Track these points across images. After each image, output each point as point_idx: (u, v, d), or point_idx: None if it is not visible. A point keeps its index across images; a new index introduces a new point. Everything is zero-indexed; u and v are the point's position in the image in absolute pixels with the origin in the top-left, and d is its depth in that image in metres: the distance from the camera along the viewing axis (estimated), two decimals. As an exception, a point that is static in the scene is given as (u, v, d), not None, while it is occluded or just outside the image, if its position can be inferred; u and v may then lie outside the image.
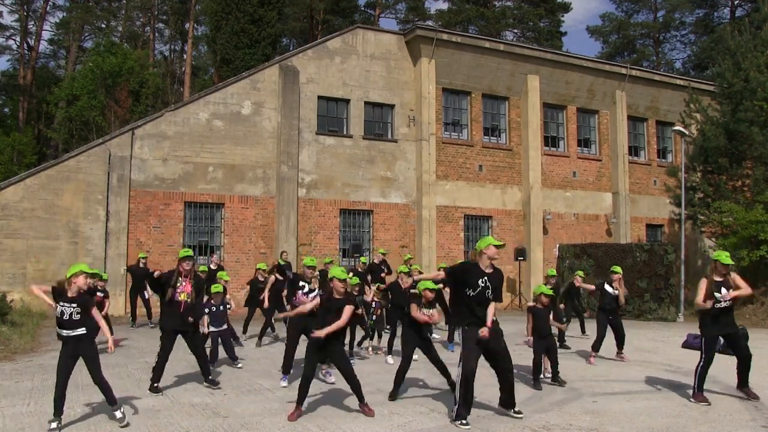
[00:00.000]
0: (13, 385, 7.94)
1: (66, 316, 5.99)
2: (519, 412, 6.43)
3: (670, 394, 7.70)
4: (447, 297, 10.40)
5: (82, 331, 6.05)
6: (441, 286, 8.36)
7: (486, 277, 6.19)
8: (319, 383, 8.16)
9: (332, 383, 8.06)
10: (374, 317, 10.73)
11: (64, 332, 6.02)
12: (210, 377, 7.89)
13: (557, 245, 20.84)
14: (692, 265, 24.44)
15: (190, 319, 7.64)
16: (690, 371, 9.22)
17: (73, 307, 6.00)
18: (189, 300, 7.59)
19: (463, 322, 6.22)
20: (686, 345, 11.87)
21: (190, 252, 7.88)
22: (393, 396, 7.27)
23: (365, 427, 6.06)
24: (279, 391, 7.69)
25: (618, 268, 10.42)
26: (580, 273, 13.23)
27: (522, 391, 7.47)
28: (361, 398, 6.57)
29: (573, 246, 19.65)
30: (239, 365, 9.33)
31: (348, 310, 6.55)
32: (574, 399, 7.39)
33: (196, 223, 17.71)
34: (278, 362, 9.72)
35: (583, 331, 13.32)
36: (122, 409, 6.08)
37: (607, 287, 10.20)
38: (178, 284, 7.58)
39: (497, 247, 6.26)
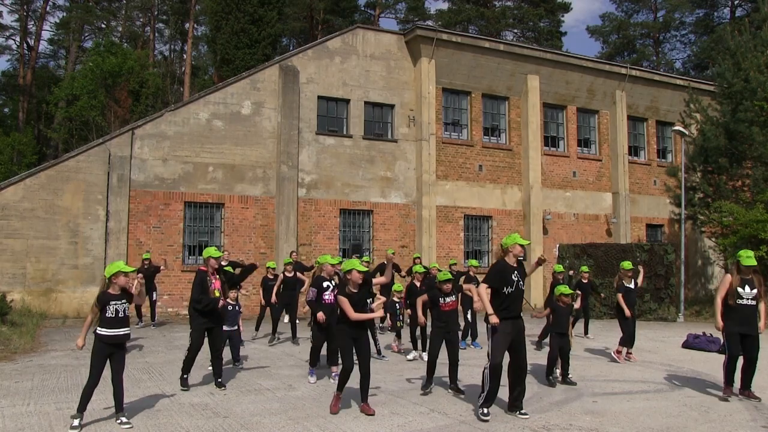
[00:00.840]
0: (13, 385, 7.94)
1: (120, 314, 6.09)
2: (525, 414, 6.46)
3: (670, 394, 7.70)
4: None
5: (128, 330, 6.21)
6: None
7: (515, 271, 6.49)
8: (324, 384, 8.17)
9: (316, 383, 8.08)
10: (401, 317, 10.76)
11: (118, 331, 6.06)
12: (220, 379, 7.88)
13: (557, 245, 20.83)
14: (692, 265, 24.46)
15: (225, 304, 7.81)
16: (690, 371, 9.27)
17: (124, 303, 6.14)
18: (220, 295, 7.73)
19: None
20: (686, 345, 11.95)
21: (212, 251, 7.82)
22: (425, 388, 7.54)
23: (365, 427, 6.06)
24: (279, 391, 7.69)
25: (629, 263, 10.48)
26: (585, 268, 13.22)
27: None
28: (365, 397, 6.60)
29: (573, 246, 19.64)
30: (241, 366, 9.33)
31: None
32: (574, 399, 7.39)
33: (196, 223, 17.71)
34: (278, 362, 9.75)
35: (586, 332, 13.30)
36: (126, 418, 6.08)
37: (627, 285, 10.31)
38: (209, 284, 7.66)
39: (522, 246, 6.54)
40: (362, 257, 15.75)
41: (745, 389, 7.50)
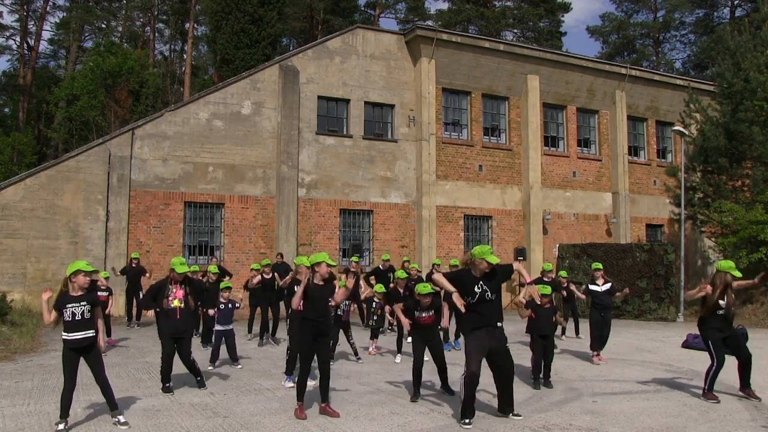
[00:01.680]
0: (13, 385, 7.95)
1: (78, 317, 5.84)
2: (518, 415, 6.43)
3: (670, 394, 7.70)
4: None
5: (92, 333, 5.92)
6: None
7: (480, 282, 6.24)
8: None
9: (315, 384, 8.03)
10: (375, 317, 10.75)
11: (78, 335, 5.84)
12: (200, 378, 7.83)
13: (557, 245, 20.83)
14: (692, 265, 24.45)
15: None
16: (690, 371, 9.26)
17: (83, 305, 5.88)
18: (182, 306, 7.56)
19: (467, 329, 6.31)
20: (686, 345, 11.95)
21: (177, 264, 7.65)
22: (414, 397, 7.24)
23: (365, 427, 6.06)
24: (279, 391, 7.69)
25: (598, 264, 10.48)
26: (563, 273, 13.14)
27: (522, 392, 7.48)
28: (325, 398, 6.55)
29: (573, 246, 19.64)
30: (239, 366, 9.33)
31: (340, 291, 6.87)
32: (574, 399, 7.39)
33: (196, 223, 17.71)
34: (278, 362, 9.73)
35: (576, 332, 13.27)
36: (123, 414, 6.07)
37: (591, 287, 10.26)
38: (169, 292, 7.57)
39: (489, 263, 6.22)
40: (361, 257, 15.71)
41: (746, 388, 7.51)
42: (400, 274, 10.86)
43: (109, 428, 5.95)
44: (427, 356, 7.68)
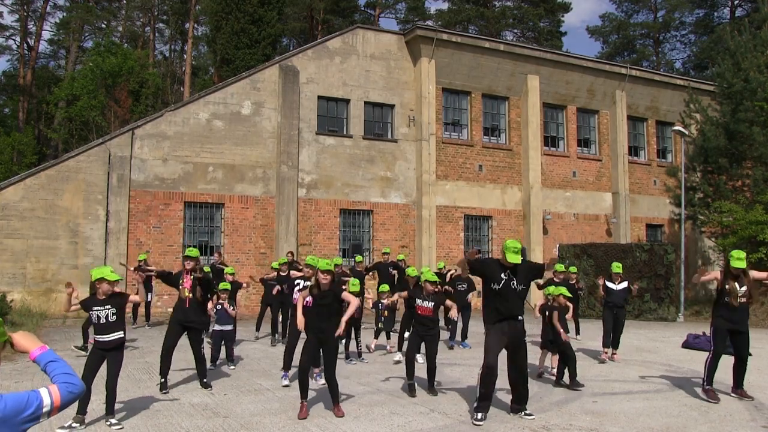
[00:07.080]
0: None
1: (103, 320, 6.07)
2: (530, 414, 6.44)
3: (670, 394, 7.70)
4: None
5: (120, 335, 6.17)
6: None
7: (508, 270, 6.25)
8: (319, 385, 8.15)
9: (323, 384, 8.02)
10: (383, 318, 10.76)
11: (104, 338, 6.08)
12: (205, 380, 7.87)
13: (557, 245, 20.83)
14: (692, 265, 24.44)
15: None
16: (690, 371, 9.26)
17: (107, 309, 6.09)
18: (189, 296, 7.71)
19: (489, 321, 6.34)
20: (686, 345, 11.96)
21: (190, 253, 7.90)
22: (411, 393, 7.41)
23: (365, 427, 6.06)
24: (279, 391, 7.69)
25: (618, 265, 10.53)
26: (573, 269, 13.13)
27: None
28: (335, 401, 6.53)
29: (573, 246, 19.63)
30: (232, 367, 9.34)
31: (351, 299, 6.63)
32: (574, 399, 7.39)
33: (196, 223, 17.71)
34: (278, 362, 9.73)
35: (577, 332, 13.26)
36: (116, 419, 6.08)
37: (609, 284, 10.35)
38: (181, 281, 7.78)
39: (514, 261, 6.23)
40: (357, 257, 15.60)
41: (738, 388, 7.51)
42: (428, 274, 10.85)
43: (108, 428, 5.95)
44: (422, 359, 7.69)
